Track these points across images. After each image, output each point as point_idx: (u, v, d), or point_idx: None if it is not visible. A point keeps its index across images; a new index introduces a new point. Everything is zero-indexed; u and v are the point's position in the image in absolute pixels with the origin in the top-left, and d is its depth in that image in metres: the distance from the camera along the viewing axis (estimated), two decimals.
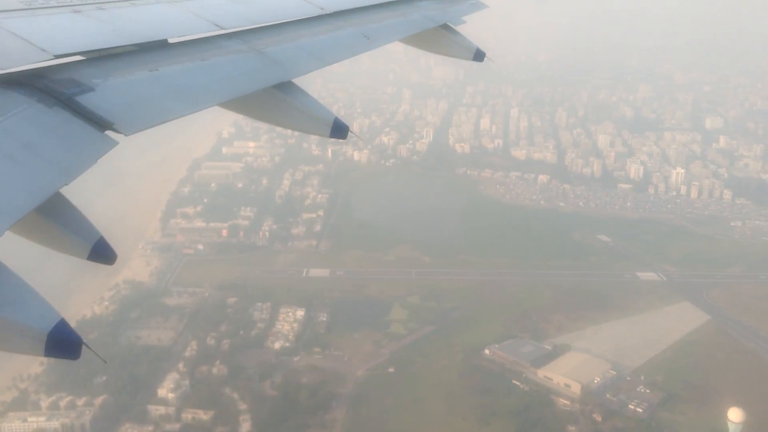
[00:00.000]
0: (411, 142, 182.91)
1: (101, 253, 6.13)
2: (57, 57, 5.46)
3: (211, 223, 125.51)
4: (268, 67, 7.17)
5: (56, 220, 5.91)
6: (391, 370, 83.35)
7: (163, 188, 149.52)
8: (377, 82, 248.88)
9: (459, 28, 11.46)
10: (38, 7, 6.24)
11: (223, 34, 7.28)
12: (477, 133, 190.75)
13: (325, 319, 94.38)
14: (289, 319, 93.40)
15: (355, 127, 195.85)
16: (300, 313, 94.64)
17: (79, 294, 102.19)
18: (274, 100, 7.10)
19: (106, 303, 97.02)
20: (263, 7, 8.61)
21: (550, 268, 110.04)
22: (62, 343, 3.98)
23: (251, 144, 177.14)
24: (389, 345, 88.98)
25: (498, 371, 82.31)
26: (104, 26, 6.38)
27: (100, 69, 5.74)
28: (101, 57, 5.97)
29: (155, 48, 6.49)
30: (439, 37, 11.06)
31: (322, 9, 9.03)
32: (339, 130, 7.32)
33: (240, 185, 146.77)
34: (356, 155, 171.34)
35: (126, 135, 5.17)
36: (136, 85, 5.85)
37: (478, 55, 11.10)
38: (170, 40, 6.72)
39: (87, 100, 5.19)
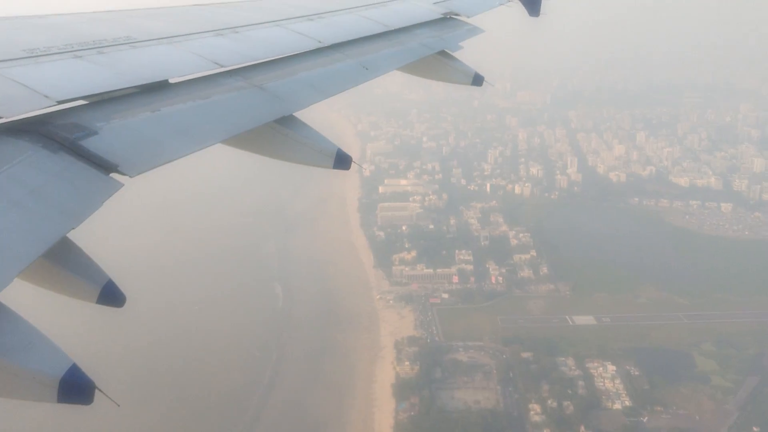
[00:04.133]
0: (558, 172, 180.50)
1: (110, 296, 5.95)
2: (60, 102, 5.54)
3: (438, 269, 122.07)
4: (269, 102, 7.26)
5: (64, 264, 5.80)
6: (756, 429, 79.89)
7: (346, 232, 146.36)
8: (466, 110, 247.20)
9: (457, 54, 11.53)
10: (40, 55, 6.30)
11: (223, 72, 7.36)
12: (621, 160, 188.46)
13: (637, 373, 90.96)
14: (606, 375, 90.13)
15: (488, 158, 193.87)
16: (611, 367, 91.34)
17: (356, 352, 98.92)
18: (277, 134, 7.18)
19: (406, 363, 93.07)
20: (262, 44, 8.60)
21: None
22: (75, 388, 3.90)
23: (403, 181, 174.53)
24: (727, 399, 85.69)
25: None
26: (105, 70, 6.44)
27: (102, 112, 5.86)
28: (103, 100, 6.08)
29: (156, 89, 6.58)
30: (437, 63, 11.18)
31: (320, 42, 9.13)
32: (342, 161, 7.37)
33: (431, 226, 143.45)
34: (516, 188, 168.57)
35: (131, 176, 5.19)
36: (139, 126, 5.92)
37: (477, 80, 11.21)
38: (171, 80, 6.79)
39: (91, 144, 5.27)
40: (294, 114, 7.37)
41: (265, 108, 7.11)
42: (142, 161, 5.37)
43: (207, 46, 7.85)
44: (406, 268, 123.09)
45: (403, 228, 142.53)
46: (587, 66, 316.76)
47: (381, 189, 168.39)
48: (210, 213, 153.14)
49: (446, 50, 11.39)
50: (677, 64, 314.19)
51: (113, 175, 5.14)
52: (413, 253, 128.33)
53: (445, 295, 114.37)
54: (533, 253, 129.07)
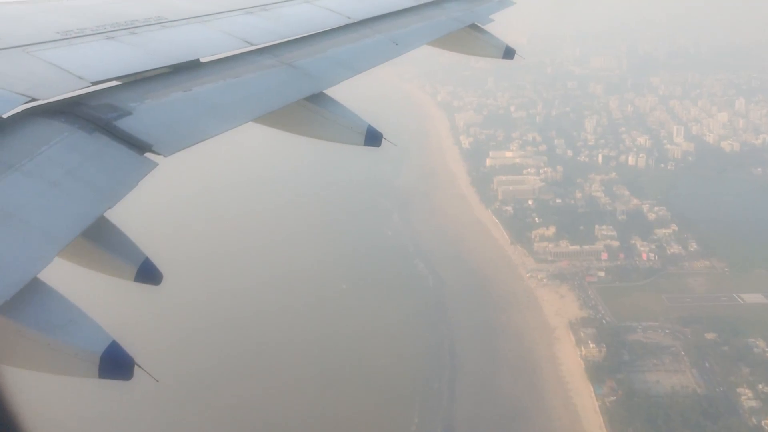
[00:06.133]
0: (666, 142, 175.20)
1: (147, 274, 5.89)
2: (94, 83, 5.53)
3: (584, 245, 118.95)
4: (300, 80, 7.18)
5: (102, 243, 5.68)
6: None
7: (467, 207, 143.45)
8: (542, 77, 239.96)
9: (487, 27, 11.32)
10: (73, 37, 6.23)
11: (253, 50, 7.32)
12: (727, 128, 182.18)
13: None
14: None
15: (587, 127, 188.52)
16: None
17: (529, 333, 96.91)
18: (307, 112, 7.05)
19: (591, 345, 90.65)
20: (292, 21, 8.49)
21: None
22: (115, 364, 3.99)
23: (509, 153, 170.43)
24: None
25: None
26: (137, 50, 6.38)
27: (135, 92, 5.81)
28: (136, 81, 6.05)
29: (188, 68, 6.53)
30: (468, 37, 11.01)
31: (349, 18, 9.00)
32: (373, 138, 7.23)
33: (558, 200, 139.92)
34: (630, 159, 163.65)
35: (165, 156, 5.15)
36: (172, 106, 5.85)
37: (508, 53, 11.03)
38: (202, 60, 6.76)
39: (125, 124, 5.27)
40: (324, 91, 7.24)
41: (295, 86, 7.06)
42: (175, 141, 5.32)
43: (237, 24, 7.83)
44: (550, 245, 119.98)
45: (529, 202, 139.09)
46: (643, 29, 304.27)
47: (488, 162, 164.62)
48: (318, 187, 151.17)
49: (477, 23, 11.20)
50: (741, 25, 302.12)
51: (148, 154, 5.09)
52: (552, 229, 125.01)
53: (601, 273, 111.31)
54: (674, 227, 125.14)
